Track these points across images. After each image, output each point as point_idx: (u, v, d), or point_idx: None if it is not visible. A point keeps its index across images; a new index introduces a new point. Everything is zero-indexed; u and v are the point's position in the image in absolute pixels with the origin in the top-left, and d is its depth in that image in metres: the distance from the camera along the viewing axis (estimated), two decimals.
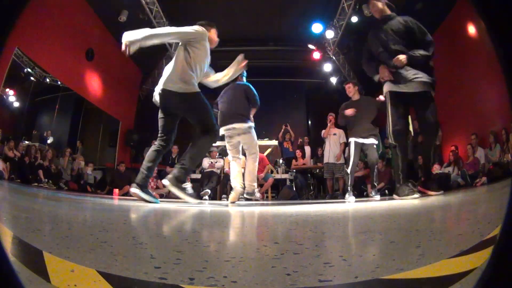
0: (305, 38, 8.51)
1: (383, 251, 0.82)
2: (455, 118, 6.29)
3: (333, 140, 5.87)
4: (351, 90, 4.79)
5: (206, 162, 6.63)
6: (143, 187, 2.86)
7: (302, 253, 0.81)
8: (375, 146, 4.58)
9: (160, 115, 2.99)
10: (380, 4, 3.61)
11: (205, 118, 2.92)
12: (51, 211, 1.99)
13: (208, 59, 3.05)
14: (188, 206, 3.11)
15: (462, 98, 5.99)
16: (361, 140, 4.51)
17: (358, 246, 0.89)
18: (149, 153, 2.97)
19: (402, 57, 2.96)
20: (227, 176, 6.11)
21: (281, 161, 6.81)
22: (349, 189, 4.49)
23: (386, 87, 3.19)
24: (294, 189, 6.52)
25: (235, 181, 3.81)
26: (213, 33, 3.11)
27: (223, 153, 6.86)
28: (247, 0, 7.48)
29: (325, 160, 6.02)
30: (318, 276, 0.58)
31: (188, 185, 3.00)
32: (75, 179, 6.82)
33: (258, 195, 3.97)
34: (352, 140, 4.52)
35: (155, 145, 2.99)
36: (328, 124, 5.92)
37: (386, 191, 5.65)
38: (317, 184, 7.22)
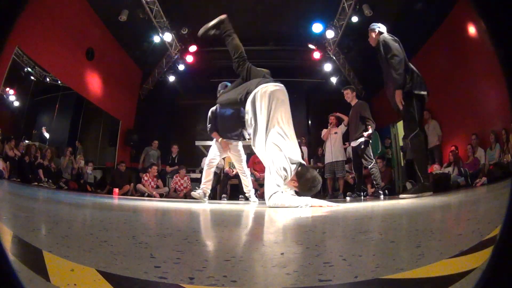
0: (305, 38, 8.50)
1: (383, 251, 0.82)
2: (455, 118, 6.28)
3: (333, 139, 5.90)
4: (349, 96, 5.07)
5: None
6: None
7: (302, 253, 0.81)
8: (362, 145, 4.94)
9: None
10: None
11: None
12: (51, 210, 1.99)
13: None
14: (195, 204, 3.11)
15: (462, 98, 5.99)
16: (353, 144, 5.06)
17: (358, 246, 0.89)
18: None
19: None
20: (227, 176, 6.12)
21: None
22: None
23: None
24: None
25: None
26: None
27: None
28: (247, 0, 7.47)
29: (327, 160, 6.04)
30: (318, 276, 0.58)
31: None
32: (75, 178, 6.82)
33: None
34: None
35: None
36: (329, 126, 5.96)
37: (386, 191, 5.65)
38: None
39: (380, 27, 3.78)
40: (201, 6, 7.34)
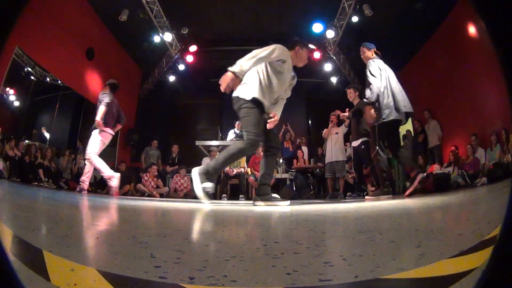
0: (305, 38, 8.50)
1: (383, 251, 0.82)
2: (455, 118, 6.29)
3: (334, 139, 5.89)
4: (352, 95, 5.09)
5: (206, 162, 6.64)
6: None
7: (302, 253, 0.81)
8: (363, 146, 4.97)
9: None
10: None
11: (243, 124, 2.94)
12: (51, 210, 1.99)
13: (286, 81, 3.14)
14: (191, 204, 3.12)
15: (462, 98, 5.99)
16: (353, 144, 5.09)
17: (358, 246, 0.89)
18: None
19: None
20: (227, 176, 6.13)
21: (281, 160, 6.82)
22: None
23: None
24: (294, 189, 6.53)
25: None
26: (299, 53, 3.13)
27: None
28: (247, 0, 7.48)
29: (327, 159, 6.04)
30: (318, 276, 0.58)
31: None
32: (75, 178, 6.81)
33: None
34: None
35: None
36: (330, 125, 5.95)
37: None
38: (317, 184, 7.21)
39: (370, 46, 3.96)
40: (201, 6, 7.35)
